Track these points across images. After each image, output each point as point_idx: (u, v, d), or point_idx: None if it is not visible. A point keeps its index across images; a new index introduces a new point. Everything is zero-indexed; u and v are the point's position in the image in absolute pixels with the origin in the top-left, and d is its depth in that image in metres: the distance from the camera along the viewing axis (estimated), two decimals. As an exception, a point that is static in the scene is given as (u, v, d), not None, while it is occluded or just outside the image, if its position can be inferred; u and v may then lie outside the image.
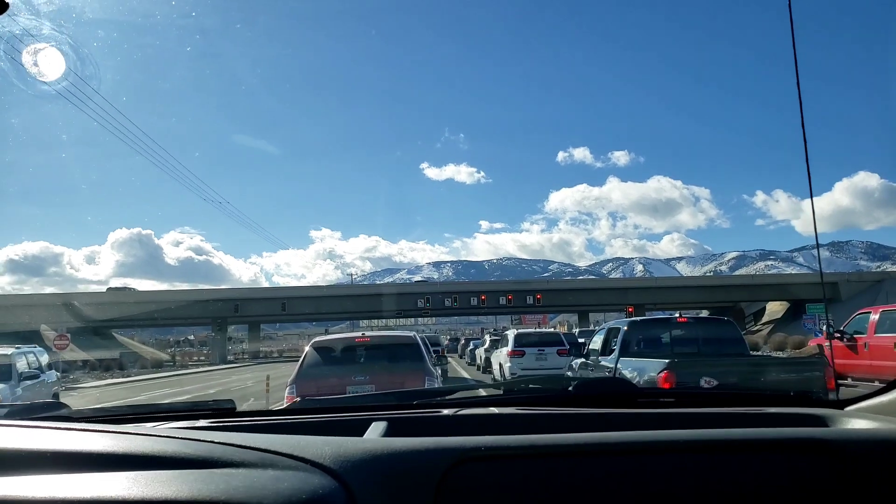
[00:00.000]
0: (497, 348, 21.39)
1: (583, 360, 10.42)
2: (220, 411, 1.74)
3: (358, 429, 1.43)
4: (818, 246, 1.99)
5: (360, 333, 8.53)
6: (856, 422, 1.39)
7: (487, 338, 27.51)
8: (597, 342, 10.04)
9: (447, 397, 1.94)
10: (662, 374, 6.68)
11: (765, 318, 57.93)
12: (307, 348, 7.59)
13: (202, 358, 59.52)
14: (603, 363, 9.06)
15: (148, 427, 1.44)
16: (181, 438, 1.17)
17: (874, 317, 11.94)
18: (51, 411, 1.60)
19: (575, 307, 60.33)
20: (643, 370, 7.25)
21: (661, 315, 16.60)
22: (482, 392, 2.30)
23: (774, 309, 58.27)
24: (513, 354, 18.03)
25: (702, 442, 1.20)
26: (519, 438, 1.20)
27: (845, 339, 12.10)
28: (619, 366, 8.37)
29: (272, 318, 61.50)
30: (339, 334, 9.39)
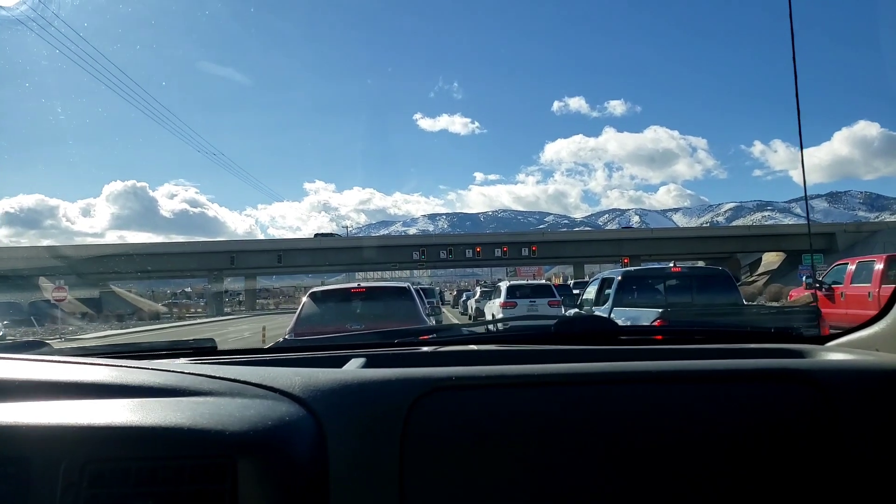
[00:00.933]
0: (489, 299, 21.96)
1: (576, 310, 10.42)
2: (200, 350, 1.71)
3: (337, 365, 1.39)
4: (807, 198, 1.98)
5: (355, 284, 8.40)
6: (834, 355, 1.41)
7: (478, 289, 28.73)
8: (591, 292, 10.09)
9: (429, 336, 1.93)
10: (656, 323, 6.53)
11: (761, 269, 58.17)
12: (304, 298, 7.78)
13: (199, 310, 59.70)
14: (597, 313, 9.04)
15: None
16: (150, 369, 1.17)
17: (851, 267, 12.42)
18: (32, 348, 1.60)
19: (570, 259, 60.38)
20: (637, 319, 7.27)
21: (655, 266, 16.45)
22: (465, 331, 2.32)
23: (771, 260, 58.46)
24: (505, 305, 18.52)
25: (680, 372, 1.19)
26: (490, 369, 1.19)
27: (824, 289, 12.45)
28: (612, 315, 8.24)
29: (268, 270, 61.24)
30: (333, 285, 9.58)
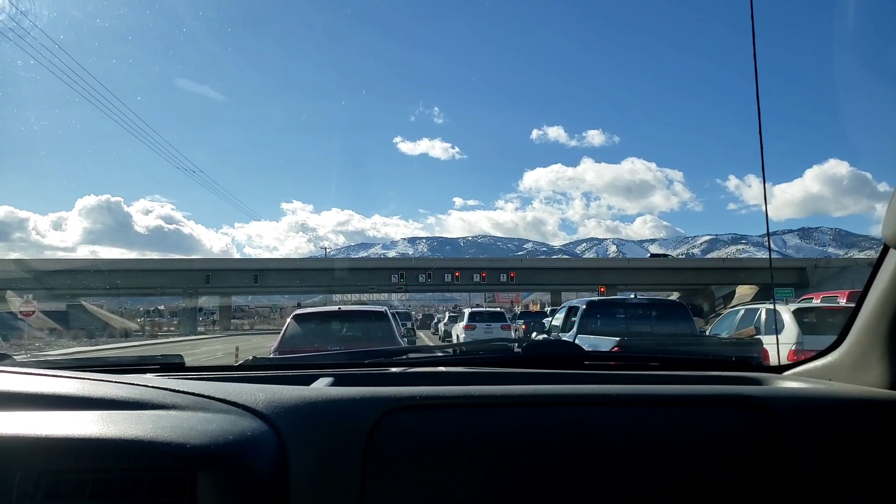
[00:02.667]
0: (455, 322, 25.91)
1: (545, 335, 10.86)
2: (168, 366, 1.71)
3: (305, 384, 1.39)
4: (769, 235, 2.11)
5: (336, 308, 9.03)
6: (789, 383, 1.45)
7: (446, 314, 35.68)
8: (558, 319, 10.66)
9: (397, 358, 1.93)
10: (614, 350, 7.17)
11: (734, 302, 58.92)
12: (289, 319, 8.16)
13: (172, 328, 58.72)
14: (558, 336, 9.78)
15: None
16: (115, 382, 1.18)
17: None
18: None
19: (548, 286, 60.71)
20: (598, 346, 7.69)
21: (618, 296, 17.50)
22: (438, 353, 2.38)
23: (744, 293, 59.29)
24: (467, 328, 22.14)
25: (641, 396, 1.21)
26: (454, 389, 1.20)
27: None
28: (577, 341, 8.58)
29: (244, 289, 60.62)
30: (317, 308, 10.27)
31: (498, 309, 30.95)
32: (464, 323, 22.62)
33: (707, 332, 11.03)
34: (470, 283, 54.50)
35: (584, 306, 9.67)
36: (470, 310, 25.56)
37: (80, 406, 1.08)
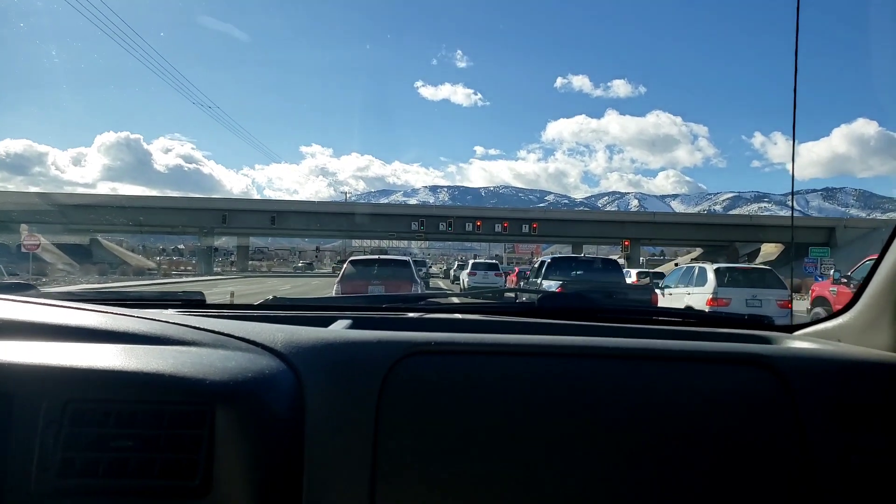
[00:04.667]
0: (462, 270, 33.28)
1: (525, 280, 16.54)
2: (189, 302, 1.73)
3: (323, 325, 1.40)
4: (793, 193, 1.97)
5: (375, 256, 13.69)
6: (798, 343, 1.47)
7: (456, 263, 48.19)
8: (534, 268, 15.68)
9: (416, 303, 1.94)
10: (558, 288, 10.73)
11: (759, 259, 57.62)
12: (347, 263, 12.50)
13: (189, 268, 58.81)
14: (533, 280, 14.55)
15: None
16: (136, 317, 1.21)
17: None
18: (20, 290, 1.56)
19: (570, 238, 59.69)
20: (550, 286, 11.69)
21: (571, 255, 22.06)
22: (455, 301, 2.24)
23: (769, 251, 57.95)
24: (470, 274, 28.93)
25: (651, 350, 1.23)
26: (470, 336, 1.23)
27: (852, 285, 12.04)
28: (541, 283, 13.21)
29: (261, 231, 59.85)
30: (364, 255, 15.11)
31: (493, 260, 38.76)
32: (468, 270, 30.19)
33: (660, 284, 15.03)
34: (491, 232, 53.48)
35: (549, 260, 14.25)
36: (472, 261, 34.81)
37: (103, 339, 1.09)
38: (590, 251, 57.78)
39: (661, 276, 31.26)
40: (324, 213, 53.14)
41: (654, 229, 54.53)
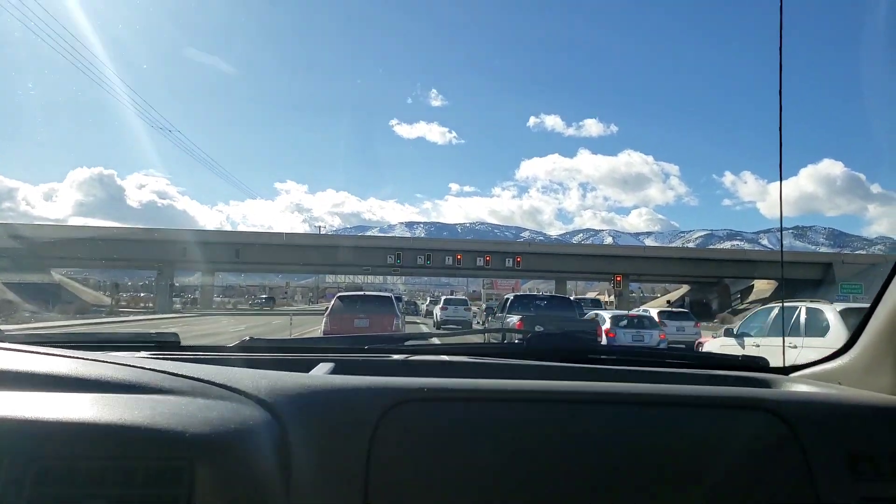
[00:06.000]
0: (436, 305, 35.35)
1: (492, 314, 20.61)
2: (163, 344, 1.65)
3: (304, 369, 1.35)
4: (781, 229, 1.88)
5: (361, 292, 16.05)
6: (799, 386, 1.45)
7: (428, 298, 53.90)
8: (499, 304, 18.96)
9: (399, 345, 1.88)
10: (518, 322, 13.61)
11: (751, 297, 55.22)
12: (335, 299, 13.77)
13: (151, 305, 54.22)
14: (498, 315, 17.21)
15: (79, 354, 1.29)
16: (108, 363, 1.12)
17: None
18: None
19: (555, 273, 56.66)
20: (511, 321, 14.25)
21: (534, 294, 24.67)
22: (436, 342, 2.33)
23: (762, 287, 55.57)
24: (442, 308, 31.04)
25: (648, 395, 1.20)
26: (463, 382, 1.19)
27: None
28: (506, 316, 15.44)
29: (224, 265, 55.81)
30: (351, 292, 16.53)
31: (463, 297, 40.96)
32: (440, 305, 32.59)
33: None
34: (473, 266, 50.32)
35: (512, 297, 17.27)
36: (445, 297, 38.89)
37: (74, 387, 1.00)
38: (578, 289, 54.73)
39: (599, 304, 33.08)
40: (292, 246, 49.37)
41: (643, 264, 51.80)
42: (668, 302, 57.16)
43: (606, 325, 15.18)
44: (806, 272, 50.01)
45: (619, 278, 44.43)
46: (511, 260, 49.48)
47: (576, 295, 61.45)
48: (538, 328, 13.10)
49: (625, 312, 18.38)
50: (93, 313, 37.85)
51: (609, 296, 58.93)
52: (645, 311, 21.97)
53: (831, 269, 49.04)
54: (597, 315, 16.30)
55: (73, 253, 43.02)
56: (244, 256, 47.59)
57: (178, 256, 46.62)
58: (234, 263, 51.91)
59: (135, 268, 60.65)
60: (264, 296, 77.40)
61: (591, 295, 61.45)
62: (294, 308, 60.91)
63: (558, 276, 57.76)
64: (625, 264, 50.55)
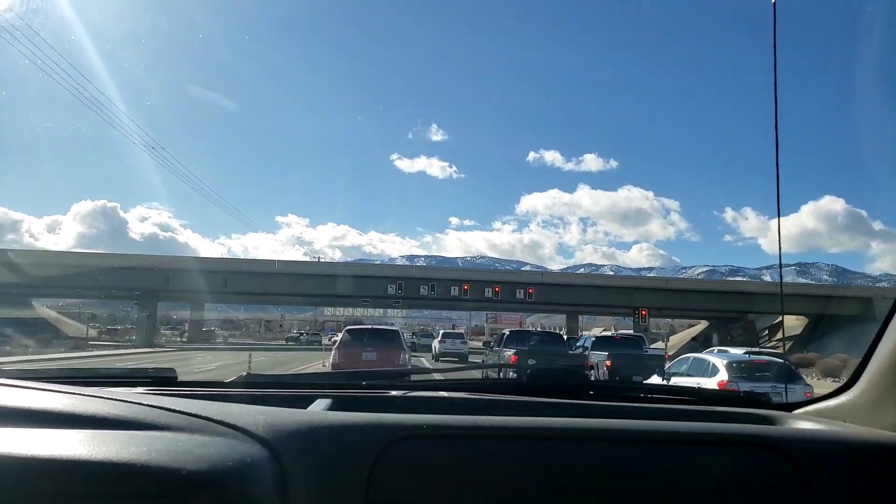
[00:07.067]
0: (433, 339, 38.20)
1: (490, 348, 22.02)
2: (160, 379, 1.65)
3: (302, 404, 1.36)
4: (781, 266, 1.91)
5: (369, 326, 16.39)
6: (801, 423, 1.44)
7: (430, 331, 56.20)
8: (497, 339, 20.84)
9: (397, 381, 1.89)
10: (512, 357, 15.51)
11: (779, 335, 51.05)
12: (343, 332, 14.74)
13: (133, 337, 49.93)
14: (497, 349, 18.92)
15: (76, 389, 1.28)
16: (104, 398, 1.12)
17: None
18: None
19: (570, 305, 52.53)
20: (506, 356, 15.99)
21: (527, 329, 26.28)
22: (436, 377, 2.32)
23: (791, 324, 51.40)
24: (440, 341, 33.95)
25: (651, 433, 1.20)
26: (463, 419, 1.20)
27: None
28: (502, 350, 17.39)
29: (211, 294, 51.47)
30: (358, 325, 17.20)
31: (460, 331, 43.60)
32: (438, 339, 35.25)
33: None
34: (480, 297, 46.21)
35: (508, 333, 20.16)
36: (443, 330, 41.79)
37: (69, 424, 0.98)
38: (596, 325, 50.49)
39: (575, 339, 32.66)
40: (285, 275, 45.33)
41: (666, 297, 47.67)
42: (694, 339, 52.98)
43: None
44: (846, 308, 45.92)
45: (644, 312, 40.35)
46: (522, 291, 45.38)
47: (581, 331, 57.35)
48: (531, 362, 15.21)
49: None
50: (55, 346, 33.64)
51: (614, 332, 54.85)
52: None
53: (871, 304, 44.88)
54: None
55: (48, 282, 39.11)
56: (234, 286, 43.52)
57: (161, 285, 42.60)
58: (221, 294, 47.85)
59: (113, 297, 56.33)
60: (296, 332, 73.70)
61: (596, 331, 57.35)
62: (278, 343, 56.45)
63: (570, 311, 53.59)
64: (649, 297, 46.43)
